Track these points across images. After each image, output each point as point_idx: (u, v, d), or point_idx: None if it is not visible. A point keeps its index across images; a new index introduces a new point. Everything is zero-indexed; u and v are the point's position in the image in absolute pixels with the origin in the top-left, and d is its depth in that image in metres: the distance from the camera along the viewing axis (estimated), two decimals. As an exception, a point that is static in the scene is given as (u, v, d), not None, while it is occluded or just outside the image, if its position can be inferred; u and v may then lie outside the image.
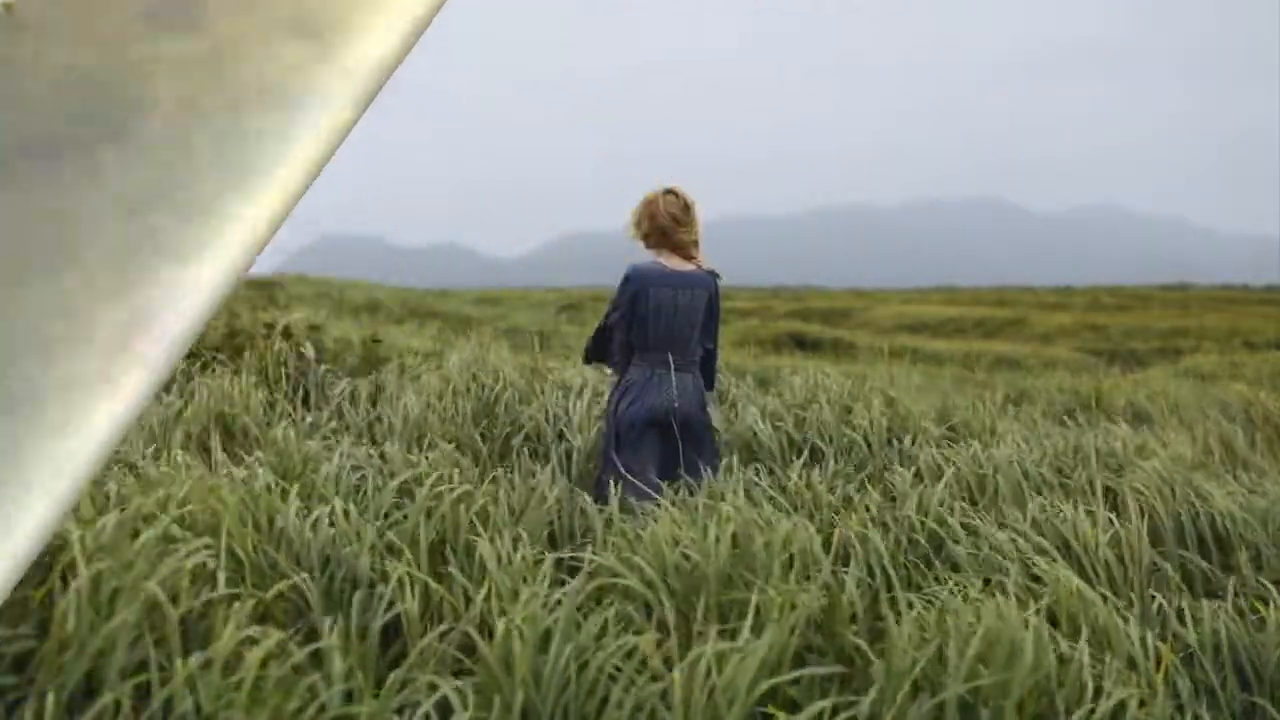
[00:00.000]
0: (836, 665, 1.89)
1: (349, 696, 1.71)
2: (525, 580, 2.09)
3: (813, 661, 1.93)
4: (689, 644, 1.84)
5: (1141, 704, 1.89)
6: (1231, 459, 4.02)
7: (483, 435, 3.91)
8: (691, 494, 2.87)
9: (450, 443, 3.62)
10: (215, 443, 3.42)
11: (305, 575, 2.13)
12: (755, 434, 3.97)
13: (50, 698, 1.53)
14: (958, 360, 15.52)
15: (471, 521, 2.49)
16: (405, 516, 2.48)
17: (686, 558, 2.18)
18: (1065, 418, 5.03)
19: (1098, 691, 1.88)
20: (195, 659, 1.62)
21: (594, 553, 2.39)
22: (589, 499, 3.01)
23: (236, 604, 1.87)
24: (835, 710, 1.70)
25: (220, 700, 1.57)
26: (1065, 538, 2.65)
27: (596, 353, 3.45)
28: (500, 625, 1.83)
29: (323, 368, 4.99)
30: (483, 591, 2.07)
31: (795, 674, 1.79)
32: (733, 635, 1.83)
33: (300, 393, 4.53)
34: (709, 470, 3.18)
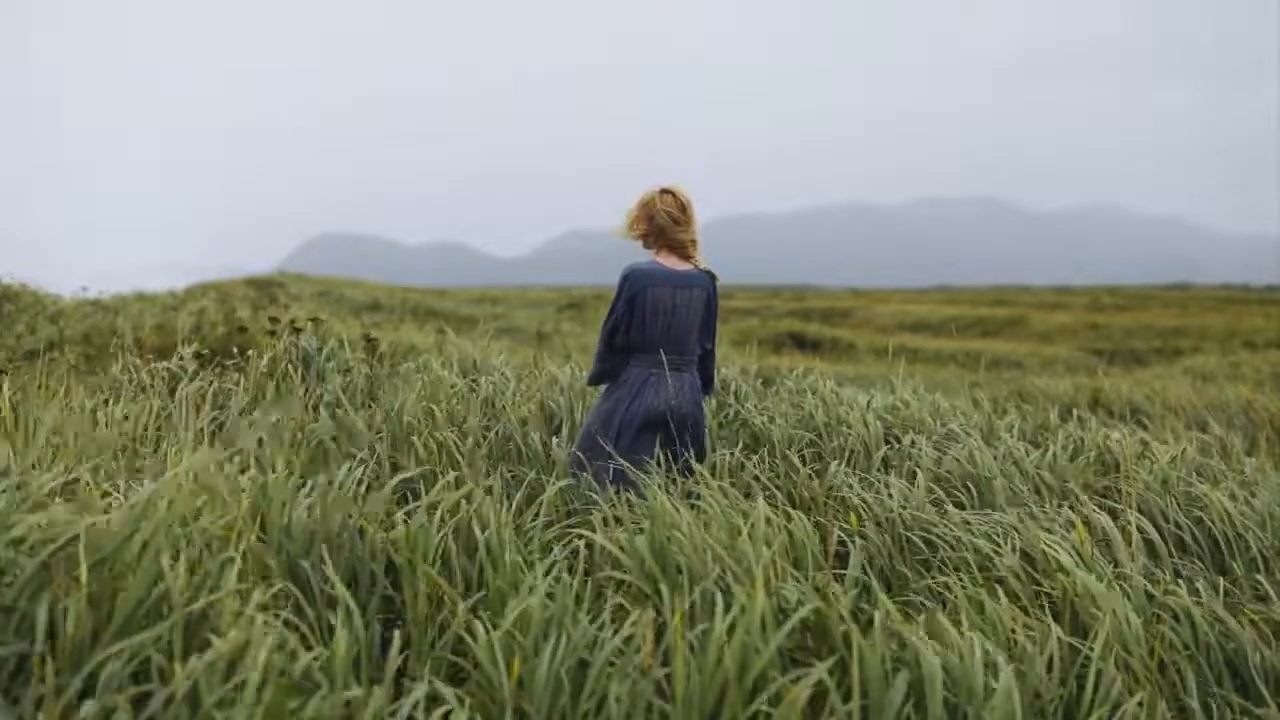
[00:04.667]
0: (829, 664, 1.89)
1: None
2: (523, 572, 2.09)
3: (805, 660, 1.94)
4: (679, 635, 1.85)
5: (1148, 708, 1.89)
6: (1230, 459, 4.03)
7: (483, 431, 3.90)
8: (686, 491, 2.87)
9: (450, 440, 3.61)
10: (217, 439, 3.42)
11: (306, 571, 2.13)
12: (758, 430, 3.97)
13: (51, 699, 1.54)
14: (957, 359, 15.53)
15: (471, 518, 2.49)
16: (407, 518, 2.48)
17: (681, 550, 2.18)
18: (1065, 417, 5.02)
19: (1095, 688, 1.89)
20: (196, 661, 1.62)
21: (589, 544, 2.39)
22: (577, 496, 3.01)
23: (238, 603, 1.87)
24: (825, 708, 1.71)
25: (220, 700, 1.58)
26: (1065, 539, 2.66)
27: (602, 374, 3.35)
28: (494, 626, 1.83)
29: (326, 362, 5.01)
30: (481, 589, 2.07)
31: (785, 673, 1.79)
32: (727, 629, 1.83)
33: (303, 387, 4.53)
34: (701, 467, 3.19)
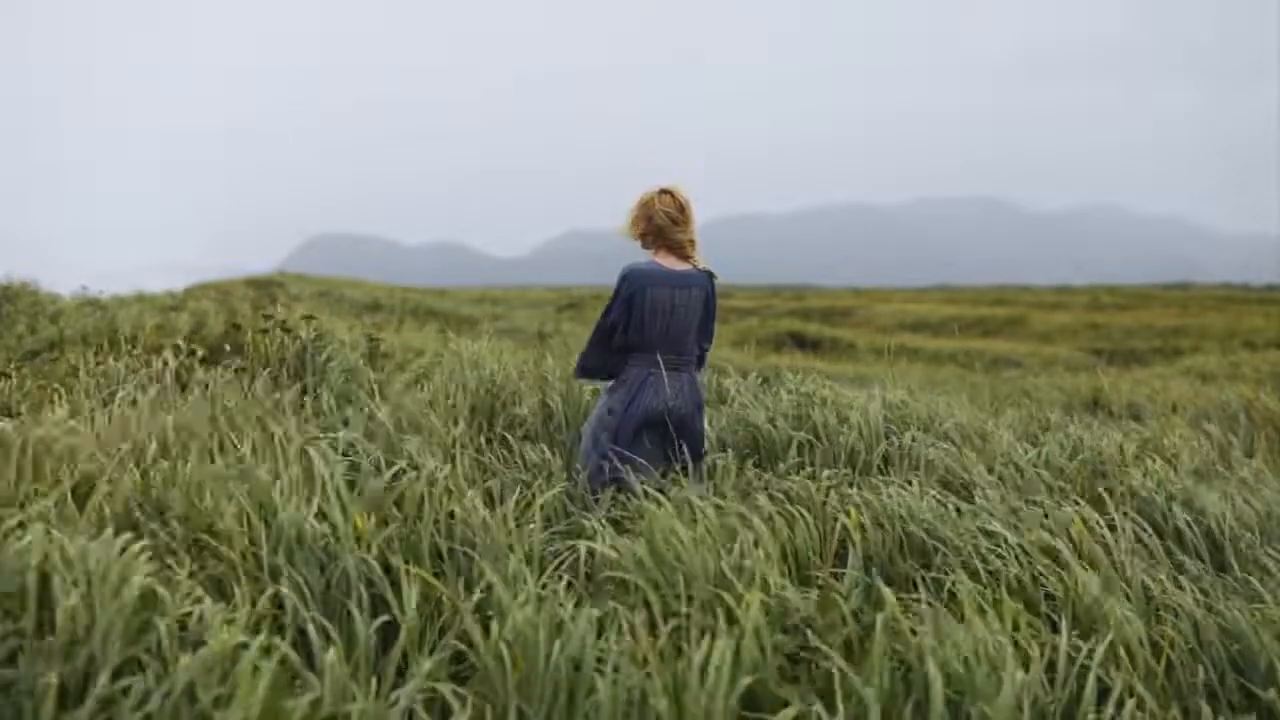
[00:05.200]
0: (825, 666, 1.88)
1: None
2: (522, 578, 2.09)
3: (804, 661, 1.93)
4: (677, 641, 1.84)
5: (1140, 705, 1.89)
6: (1230, 459, 4.02)
7: (480, 428, 3.90)
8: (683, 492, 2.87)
9: (449, 437, 3.60)
10: (215, 438, 3.41)
11: (301, 575, 2.12)
12: (757, 431, 3.96)
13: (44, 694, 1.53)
14: (958, 359, 15.54)
15: (468, 517, 2.48)
16: (404, 517, 2.47)
17: (678, 556, 2.17)
18: (1064, 416, 5.02)
19: (1099, 687, 1.88)
20: (189, 660, 1.61)
21: (590, 549, 2.39)
22: (574, 498, 3.01)
23: (232, 604, 1.86)
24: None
25: (213, 700, 1.57)
26: (1064, 539, 2.65)
27: (591, 368, 3.32)
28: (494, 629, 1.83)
29: (324, 358, 5.01)
30: (479, 592, 2.06)
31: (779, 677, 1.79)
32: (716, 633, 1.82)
33: (299, 384, 4.53)
34: (699, 467, 3.19)
